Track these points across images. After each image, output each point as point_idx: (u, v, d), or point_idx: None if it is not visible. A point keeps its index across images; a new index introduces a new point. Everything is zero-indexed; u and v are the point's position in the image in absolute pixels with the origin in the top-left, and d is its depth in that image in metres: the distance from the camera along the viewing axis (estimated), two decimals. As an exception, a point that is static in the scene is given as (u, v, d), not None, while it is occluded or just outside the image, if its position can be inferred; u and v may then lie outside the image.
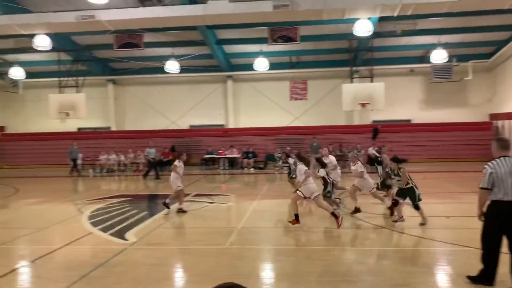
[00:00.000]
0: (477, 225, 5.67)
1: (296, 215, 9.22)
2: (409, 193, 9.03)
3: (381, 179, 11.42)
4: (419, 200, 8.99)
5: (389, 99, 21.02)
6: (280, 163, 21.77)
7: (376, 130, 23.42)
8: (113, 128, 26.39)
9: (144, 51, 21.43)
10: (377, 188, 11.15)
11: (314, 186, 9.13)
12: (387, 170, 11.11)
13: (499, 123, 23.39)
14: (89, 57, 23.45)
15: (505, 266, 5.40)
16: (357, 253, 7.50)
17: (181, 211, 11.13)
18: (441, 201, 12.41)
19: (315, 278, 6.16)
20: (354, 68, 22.53)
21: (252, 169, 21.87)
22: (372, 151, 21.60)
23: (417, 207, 9.02)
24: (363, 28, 16.61)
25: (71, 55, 22.76)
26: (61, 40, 20.44)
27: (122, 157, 23.05)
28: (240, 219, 10.55)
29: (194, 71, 24.28)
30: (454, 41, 21.80)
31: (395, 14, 14.77)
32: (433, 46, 21.82)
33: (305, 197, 9.16)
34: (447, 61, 22.21)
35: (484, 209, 5.45)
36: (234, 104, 25.52)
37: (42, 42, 18.56)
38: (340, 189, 12.21)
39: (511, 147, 5.57)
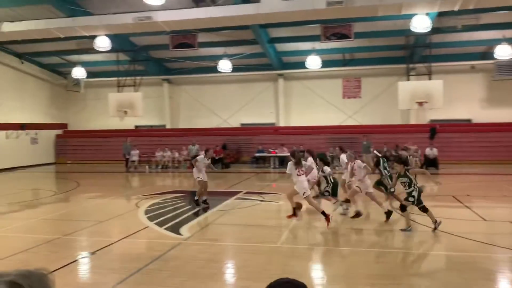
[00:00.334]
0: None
1: (294, 209, 9.69)
2: (417, 196, 8.56)
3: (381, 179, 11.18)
4: (422, 202, 8.54)
5: (448, 97, 20.11)
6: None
7: (433, 129, 22.51)
8: (168, 126, 27.13)
9: (198, 51, 21.85)
10: (380, 189, 11.05)
11: (306, 184, 9.41)
12: (388, 170, 10.92)
13: None
14: (146, 57, 24.24)
15: None
16: (413, 257, 7.24)
17: (205, 203, 11.42)
18: (505, 206, 11.72)
19: (368, 280, 6.00)
20: (411, 65, 21.75)
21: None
22: (429, 151, 20.83)
23: (403, 209, 8.59)
24: (421, 23, 15.99)
25: (129, 56, 23.63)
26: (119, 41, 21.27)
27: (176, 154, 23.67)
28: (291, 219, 10.47)
29: (245, 70, 24.46)
30: (520, 35, 20.51)
31: (456, 9, 14.09)
32: (497, 41, 20.61)
33: (297, 193, 9.45)
34: (512, 57, 20.91)
35: None
36: (285, 103, 25.45)
37: (102, 43, 19.41)
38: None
39: None
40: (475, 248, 7.59)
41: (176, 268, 6.61)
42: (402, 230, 8.62)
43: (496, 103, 23.11)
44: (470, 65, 23.09)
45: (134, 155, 23.60)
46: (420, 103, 19.32)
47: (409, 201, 8.53)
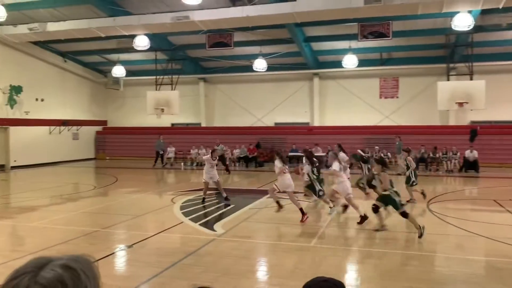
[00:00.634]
0: None
1: (278, 201, 10.17)
2: (388, 200, 8.39)
3: (366, 179, 11.34)
4: (401, 206, 8.32)
5: (490, 98, 19.36)
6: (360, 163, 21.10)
7: (474, 131, 21.76)
8: (203, 124, 27.47)
9: (233, 50, 22.01)
10: (361, 187, 11.32)
11: (289, 182, 9.91)
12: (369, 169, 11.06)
13: None
14: (182, 57, 24.62)
15: None
16: (451, 261, 7.03)
17: (203, 201, 11.88)
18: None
19: (404, 284, 5.89)
20: (451, 65, 21.09)
21: (337, 168, 21.47)
22: (469, 154, 20.15)
23: (404, 215, 8.31)
24: (462, 22, 15.49)
25: (166, 55, 24.07)
26: (158, 40, 21.71)
27: (228, 153, 23.91)
28: (325, 218, 10.41)
29: (280, 69, 24.41)
30: None
31: (501, 6, 13.59)
32: (544, 40, 19.72)
33: (279, 191, 10.03)
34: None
35: None
36: (320, 102, 25.23)
37: (141, 42, 19.87)
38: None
39: None
40: (517, 254, 7.31)
41: (209, 264, 6.70)
42: (375, 230, 8.59)
43: (542, 104, 22.10)
44: (514, 65, 22.17)
45: (171, 152, 24.05)
46: (460, 104, 18.72)
47: (382, 202, 8.43)
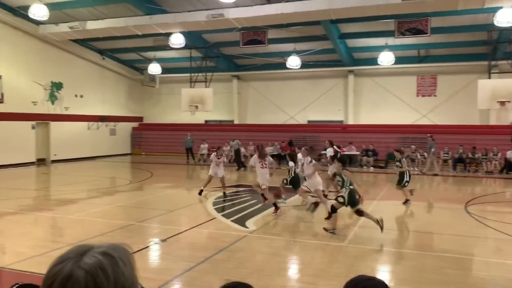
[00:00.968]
0: None
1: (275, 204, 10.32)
2: (348, 197, 8.26)
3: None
4: (357, 204, 8.31)
5: (534, 97, 18.55)
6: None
7: (516, 131, 20.90)
8: (236, 121, 27.62)
9: (267, 47, 21.99)
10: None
11: (267, 177, 10.40)
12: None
13: None
14: (217, 54, 24.82)
15: None
16: (489, 265, 6.79)
17: (200, 193, 12.37)
18: None
19: (439, 287, 5.73)
20: (493, 62, 20.30)
21: (371, 167, 21.11)
22: (511, 155, 19.37)
23: (359, 213, 8.36)
24: (505, 17, 14.90)
25: (201, 52, 24.33)
26: (193, 38, 21.97)
27: (243, 149, 24.03)
28: (357, 218, 10.25)
29: (314, 66, 24.20)
30: None
31: (548, 0, 12.98)
32: None
33: (264, 185, 10.41)
34: None
35: None
36: (355, 100, 24.86)
37: (177, 40, 20.17)
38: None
39: None
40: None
41: (241, 260, 6.74)
42: (325, 229, 8.40)
43: None
44: (562, 62, 21.12)
45: (204, 148, 24.33)
46: (502, 103, 18.01)
47: (339, 201, 8.31)
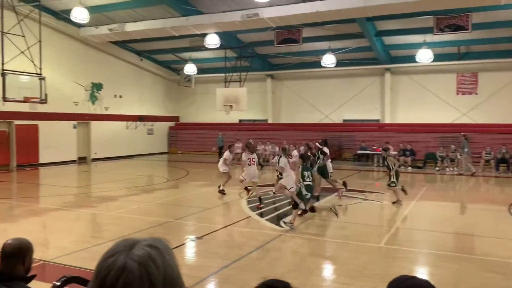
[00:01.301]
0: None
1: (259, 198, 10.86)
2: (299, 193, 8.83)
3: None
4: (308, 201, 8.91)
5: None
6: (440, 163, 20.10)
7: None
8: (270, 121, 27.65)
9: (302, 46, 21.87)
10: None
11: (253, 172, 11.10)
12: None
13: None
14: (251, 54, 24.93)
15: None
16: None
17: (221, 192, 12.45)
18: None
19: (483, 291, 5.55)
20: (538, 58, 19.44)
21: (409, 167, 20.61)
22: None
23: (311, 209, 9.08)
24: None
25: (235, 52, 24.50)
26: (227, 38, 22.15)
27: (277, 148, 24.01)
28: (395, 219, 10.08)
29: (350, 65, 23.90)
30: None
31: None
32: None
33: (244, 180, 11.13)
34: None
35: None
36: (392, 98, 24.34)
37: (212, 40, 20.41)
38: (332, 182, 12.70)
39: None
40: None
41: (276, 259, 6.75)
42: (285, 222, 8.86)
43: None
44: None
45: (238, 147, 24.46)
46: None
47: (303, 197, 8.84)
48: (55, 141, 21.19)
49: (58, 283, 2.55)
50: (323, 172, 12.04)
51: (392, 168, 11.38)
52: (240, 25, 18.56)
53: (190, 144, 28.44)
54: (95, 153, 23.76)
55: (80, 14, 17.81)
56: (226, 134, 24.99)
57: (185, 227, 9.26)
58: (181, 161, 23.92)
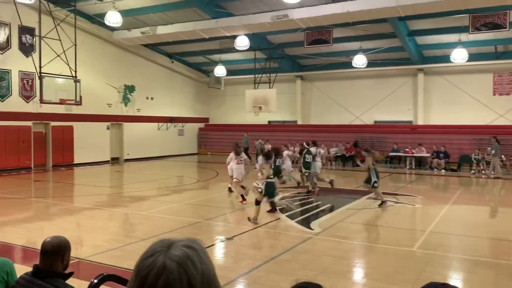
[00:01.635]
0: None
1: (242, 195, 11.40)
2: (265, 188, 9.37)
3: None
4: (272, 197, 9.53)
5: None
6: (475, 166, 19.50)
7: None
8: (299, 122, 27.52)
9: (332, 46, 21.69)
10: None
11: (242, 172, 11.65)
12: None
13: None
14: (280, 55, 24.90)
15: None
16: None
17: (230, 190, 12.98)
18: None
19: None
20: None
21: (443, 170, 20.08)
22: None
23: (271, 204, 9.75)
24: None
25: (265, 54, 24.52)
26: (257, 40, 22.21)
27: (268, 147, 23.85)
28: (428, 223, 9.83)
29: (381, 65, 23.52)
30: None
31: None
32: None
33: (238, 180, 11.67)
34: None
35: None
36: (425, 99, 23.78)
37: (242, 42, 20.52)
38: (321, 180, 13.82)
39: None
40: None
41: (307, 261, 6.70)
42: (249, 218, 9.21)
43: None
44: None
45: (267, 149, 24.46)
46: None
47: (259, 192, 9.30)
48: (89, 142, 21.78)
49: (96, 281, 2.61)
50: (307, 168, 13.22)
51: (371, 168, 11.39)
52: (269, 26, 18.58)
53: (219, 145, 28.65)
54: (127, 154, 24.27)
55: (113, 18, 18.26)
56: (255, 135, 25.03)
57: (215, 227, 9.33)
58: (210, 162, 24.13)
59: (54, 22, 18.19)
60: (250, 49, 21.97)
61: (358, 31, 20.32)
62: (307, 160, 13.24)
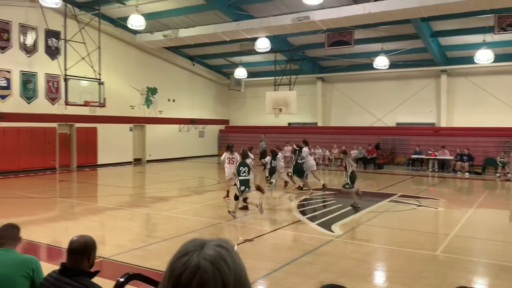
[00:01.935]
0: None
1: (227, 191, 12.07)
2: (239, 184, 10.02)
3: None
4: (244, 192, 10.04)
5: None
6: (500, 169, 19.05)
7: None
8: (320, 124, 27.38)
9: (353, 48, 21.52)
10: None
11: (228, 171, 11.92)
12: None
13: None
14: (301, 57, 24.85)
15: None
16: None
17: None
18: None
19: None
20: None
21: (467, 173, 19.68)
22: None
23: (244, 200, 10.32)
24: None
25: (285, 55, 24.51)
26: (277, 42, 22.21)
27: (327, 152, 23.77)
28: (452, 226, 9.66)
29: (403, 66, 23.20)
30: None
31: None
32: None
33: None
34: None
35: None
36: (448, 101, 23.36)
37: (263, 44, 20.55)
38: (306, 182, 13.88)
39: None
40: None
41: (328, 264, 6.67)
42: (229, 211, 9.92)
43: None
44: None
45: (287, 151, 24.42)
46: None
47: (239, 189, 10.01)
48: (113, 143, 22.14)
49: (122, 279, 2.67)
50: (299, 171, 13.70)
51: (348, 169, 11.35)
52: (290, 28, 18.57)
53: (239, 147, 28.45)
54: (150, 155, 24.58)
55: (136, 21, 18.54)
56: (275, 137, 25.00)
57: (236, 228, 9.38)
58: (231, 164, 24.17)
59: (79, 26, 18.61)
60: (271, 51, 21.99)
61: (379, 32, 20.12)
62: (299, 161, 13.75)
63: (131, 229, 9.19)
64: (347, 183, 11.35)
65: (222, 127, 30.56)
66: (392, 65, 22.14)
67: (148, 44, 22.87)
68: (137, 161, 24.08)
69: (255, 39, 20.65)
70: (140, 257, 6.88)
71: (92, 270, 2.94)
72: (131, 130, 23.70)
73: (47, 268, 3.40)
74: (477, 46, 19.83)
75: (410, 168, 21.65)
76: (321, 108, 27.29)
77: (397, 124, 25.01)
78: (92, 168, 20.93)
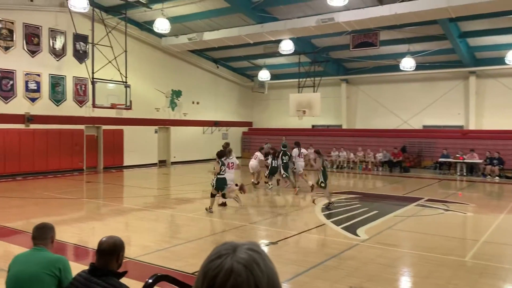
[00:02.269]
0: None
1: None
2: (216, 183, 10.76)
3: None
4: (223, 190, 10.71)
5: None
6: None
7: None
8: (344, 126, 27.12)
9: (379, 49, 21.25)
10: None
11: (232, 177, 11.83)
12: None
13: None
14: (325, 58, 24.68)
15: None
16: None
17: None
18: None
19: None
20: None
21: (497, 177, 19.12)
22: None
23: (223, 196, 11.03)
24: None
25: (309, 57, 24.41)
26: (301, 44, 22.13)
27: (352, 155, 23.50)
28: (482, 232, 9.39)
29: (431, 68, 22.76)
30: None
31: None
32: None
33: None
34: None
35: None
36: (477, 103, 22.78)
37: (287, 46, 20.50)
38: (292, 180, 14.69)
39: None
40: None
41: (353, 269, 6.58)
42: (206, 208, 10.62)
43: None
44: None
45: (311, 153, 24.27)
46: None
47: (212, 186, 10.82)
48: (138, 145, 22.47)
49: (150, 280, 2.69)
50: (273, 172, 14.66)
51: (321, 169, 11.64)
52: (315, 30, 18.47)
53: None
54: (174, 157, 24.83)
55: (162, 25, 18.79)
56: (298, 140, 24.75)
57: (259, 231, 9.35)
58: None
59: (106, 30, 18.98)
60: (295, 53, 21.93)
61: (406, 33, 19.82)
62: (284, 161, 14.49)
63: (156, 230, 9.28)
64: (322, 181, 11.60)
65: (245, 129, 30.63)
66: (419, 67, 21.76)
67: (173, 47, 23.13)
68: (162, 163, 24.36)
69: (279, 41, 20.62)
70: (166, 258, 6.93)
71: (120, 270, 2.97)
72: (156, 132, 24.00)
73: (74, 267, 3.46)
74: (507, 46, 19.32)
75: (437, 171, 21.18)
76: (345, 110, 27.03)
77: (424, 126, 24.56)
78: (118, 169, 21.28)
